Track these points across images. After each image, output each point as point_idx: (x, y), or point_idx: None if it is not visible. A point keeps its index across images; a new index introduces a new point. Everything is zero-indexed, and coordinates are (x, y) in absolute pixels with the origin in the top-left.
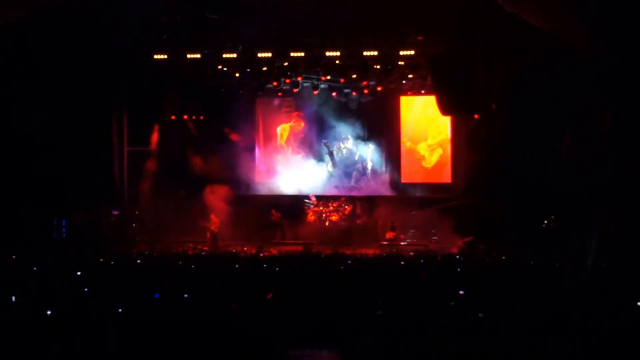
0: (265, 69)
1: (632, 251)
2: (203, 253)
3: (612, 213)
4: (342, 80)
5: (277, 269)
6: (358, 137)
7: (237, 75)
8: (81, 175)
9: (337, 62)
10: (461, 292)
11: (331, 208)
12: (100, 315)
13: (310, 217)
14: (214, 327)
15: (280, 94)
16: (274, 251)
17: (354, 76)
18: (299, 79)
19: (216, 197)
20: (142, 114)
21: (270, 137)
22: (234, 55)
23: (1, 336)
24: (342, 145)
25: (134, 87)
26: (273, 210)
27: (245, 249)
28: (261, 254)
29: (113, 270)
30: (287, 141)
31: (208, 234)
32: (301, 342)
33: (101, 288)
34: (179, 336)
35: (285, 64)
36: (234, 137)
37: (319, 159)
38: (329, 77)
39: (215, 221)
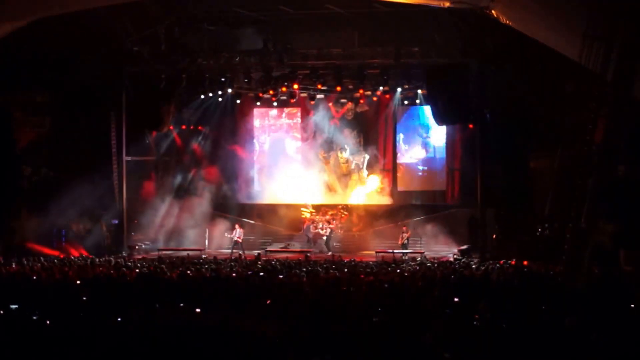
0: (262, 79)
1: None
2: (201, 260)
3: (605, 220)
4: (338, 89)
5: (278, 276)
6: (354, 147)
7: (234, 85)
8: (80, 185)
9: (334, 72)
10: (456, 300)
11: (328, 216)
12: (99, 324)
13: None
14: (212, 333)
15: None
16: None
17: (350, 86)
18: (296, 89)
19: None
20: (141, 124)
21: (267, 146)
22: (231, 66)
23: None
24: (338, 155)
25: (132, 97)
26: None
27: (243, 257)
28: (259, 262)
29: (112, 280)
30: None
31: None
32: (295, 350)
33: (100, 298)
34: (178, 344)
35: (282, 74)
36: (232, 146)
37: (316, 168)
38: (325, 87)
39: (240, 231)
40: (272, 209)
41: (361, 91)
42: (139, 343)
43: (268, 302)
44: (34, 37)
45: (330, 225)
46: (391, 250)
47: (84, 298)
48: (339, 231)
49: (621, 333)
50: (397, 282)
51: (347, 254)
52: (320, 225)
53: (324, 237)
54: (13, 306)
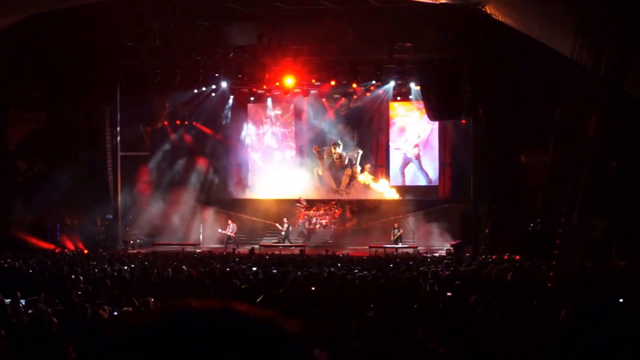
0: (256, 74)
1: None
2: (195, 255)
3: (597, 214)
4: (333, 83)
5: (271, 270)
6: (348, 142)
7: (228, 80)
8: (75, 180)
9: (327, 67)
10: (449, 294)
11: (321, 211)
12: (95, 319)
13: (301, 221)
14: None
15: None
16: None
17: (344, 82)
18: (290, 84)
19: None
20: (135, 119)
21: (261, 141)
22: (225, 61)
23: None
24: (332, 150)
25: (127, 92)
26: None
27: (237, 252)
28: (253, 257)
29: (107, 275)
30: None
31: (225, 240)
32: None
33: (95, 292)
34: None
35: (276, 69)
36: (225, 141)
37: (310, 163)
38: (318, 83)
39: (233, 226)
40: (265, 204)
41: (354, 86)
42: (135, 338)
43: (261, 297)
44: (29, 32)
45: (288, 221)
46: (384, 246)
47: (79, 292)
48: (332, 226)
49: (614, 327)
50: (391, 277)
51: (340, 249)
52: (314, 220)
53: (283, 233)
54: (7, 300)
